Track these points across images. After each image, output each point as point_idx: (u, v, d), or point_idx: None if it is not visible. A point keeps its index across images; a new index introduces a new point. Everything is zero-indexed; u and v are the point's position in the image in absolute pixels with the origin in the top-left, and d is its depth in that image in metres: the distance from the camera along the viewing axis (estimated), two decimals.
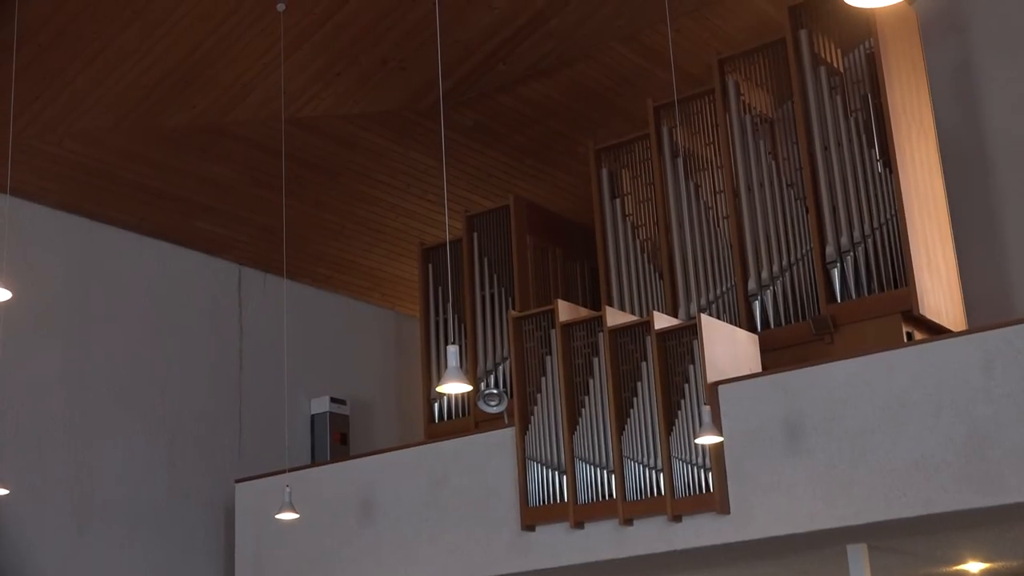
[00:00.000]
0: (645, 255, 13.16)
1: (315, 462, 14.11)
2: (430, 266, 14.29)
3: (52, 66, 11.07)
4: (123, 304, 13.12)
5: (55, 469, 12.13)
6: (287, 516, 11.13)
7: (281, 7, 11.25)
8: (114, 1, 10.66)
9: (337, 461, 13.55)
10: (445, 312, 13.98)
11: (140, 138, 12.26)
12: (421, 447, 12.61)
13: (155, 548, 12.88)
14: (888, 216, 11.48)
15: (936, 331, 11.33)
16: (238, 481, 13.18)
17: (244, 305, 14.32)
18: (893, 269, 11.37)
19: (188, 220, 13.51)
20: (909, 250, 11.27)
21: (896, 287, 11.31)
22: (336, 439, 14.41)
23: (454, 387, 8.22)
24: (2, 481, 9.50)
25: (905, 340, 11.01)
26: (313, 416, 14.46)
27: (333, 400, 14.52)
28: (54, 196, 12.52)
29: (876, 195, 11.59)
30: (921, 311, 11.23)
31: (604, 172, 13.59)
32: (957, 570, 12.95)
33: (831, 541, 10.36)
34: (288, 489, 11.27)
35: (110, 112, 11.86)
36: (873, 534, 10.21)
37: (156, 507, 12.96)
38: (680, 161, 12.94)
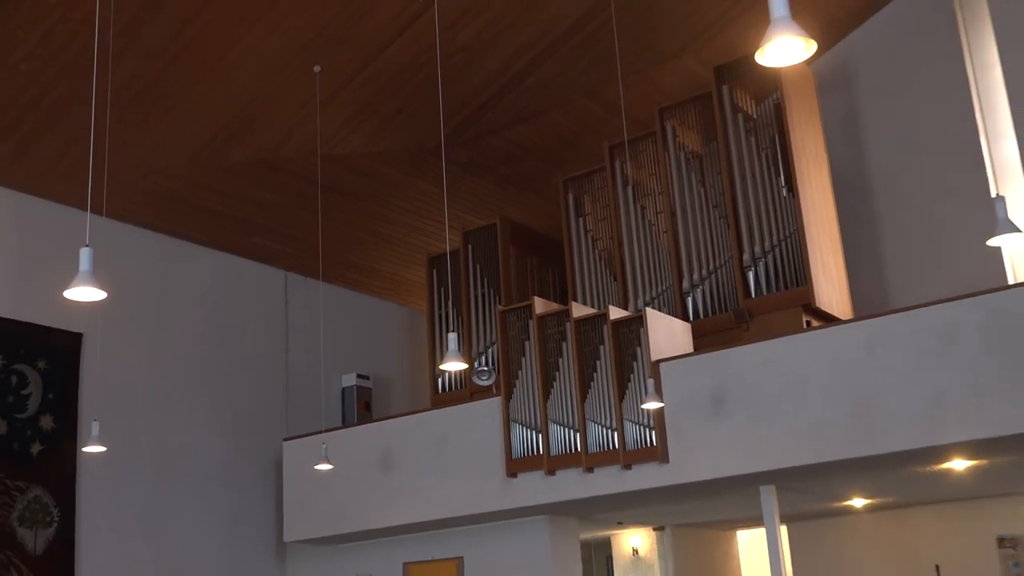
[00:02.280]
0: (602, 262, 13.23)
1: (345, 424, 14.19)
2: (434, 271, 14.36)
3: (139, 115, 11.13)
4: (193, 303, 13.20)
5: (142, 433, 12.20)
6: (324, 467, 11.20)
7: (317, 68, 11.34)
8: (186, 63, 10.74)
9: (362, 424, 13.64)
10: (446, 307, 14.04)
11: (207, 171, 12.32)
12: (428, 412, 12.70)
13: (220, 494, 12.97)
14: (791, 230, 11.56)
15: (829, 320, 11.36)
16: (285, 440, 13.27)
17: (289, 303, 14.40)
18: (795, 271, 11.44)
19: (244, 236, 13.60)
20: (807, 256, 11.34)
21: (798, 285, 11.37)
22: (362, 407, 14.48)
23: (453, 365, 8.32)
24: (101, 440, 9.60)
25: (805, 327, 11.03)
26: (343, 389, 14.54)
27: (359, 376, 14.60)
28: (139, 217, 12.60)
29: (782, 214, 11.67)
30: (817, 304, 11.29)
31: (570, 197, 13.66)
32: (845, 505, 13.07)
33: (748, 483, 10.48)
34: (324, 446, 11.36)
35: (184, 151, 11.93)
36: (780, 478, 10.34)
37: (221, 462, 13.06)
38: (629, 189, 13.01)
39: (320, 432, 12.67)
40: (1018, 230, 6.91)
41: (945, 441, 9.13)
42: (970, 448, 9.47)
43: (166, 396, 12.59)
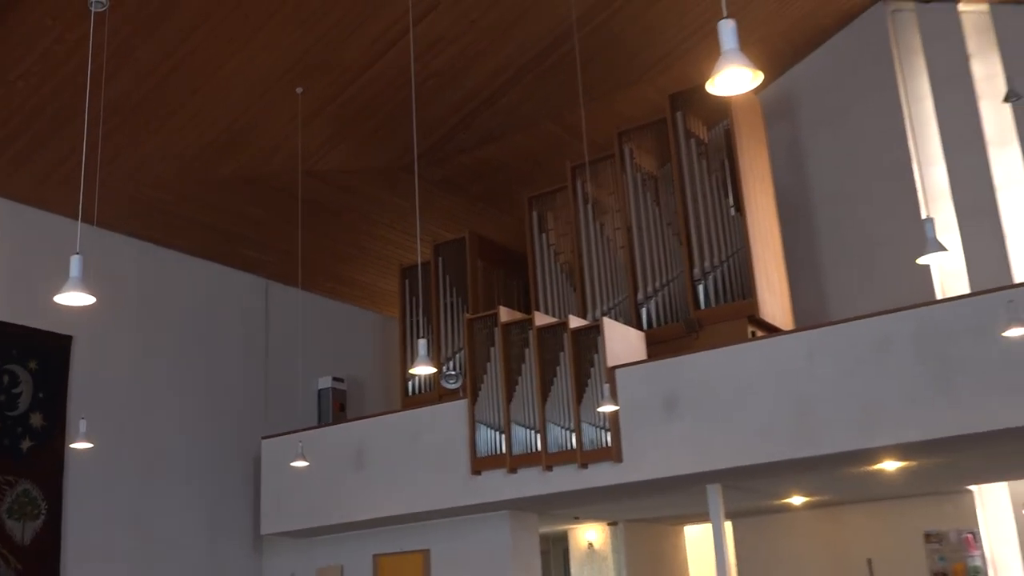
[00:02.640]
0: (563, 274, 13.27)
1: (321, 424, 14.12)
2: (407, 281, 14.33)
3: (130, 131, 11.07)
4: (178, 308, 13.10)
5: (127, 431, 12.08)
6: (300, 464, 11.17)
7: (300, 90, 11.33)
8: (176, 83, 10.70)
9: (337, 424, 13.58)
10: (417, 315, 14.03)
11: (195, 185, 12.26)
12: (399, 413, 12.68)
13: (201, 490, 12.86)
14: (738, 247, 11.65)
15: (772, 330, 11.47)
16: (264, 438, 13.19)
17: (270, 310, 14.33)
18: (741, 285, 11.53)
19: (229, 246, 13.52)
20: (753, 271, 11.44)
21: (744, 298, 11.46)
22: (336, 407, 14.43)
23: (423, 369, 8.32)
24: (88, 437, 9.54)
25: (750, 337, 11.11)
26: (319, 390, 14.48)
27: (335, 379, 14.54)
28: (129, 226, 12.50)
29: (729, 232, 11.76)
30: (761, 315, 11.39)
31: (534, 214, 13.69)
32: (785, 502, 13.15)
33: (695, 482, 10.53)
34: (301, 444, 11.32)
35: (173, 165, 11.86)
36: (725, 477, 10.40)
37: (202, 459, 12.95)
38: (589, 207, 13.06)
39: (297, 431, 12.63)
40: (945, 249, 7.03)
41: (877, 444, 9.24)
42: (900, 450, 9.57)
43: (151, 396, 12.48)
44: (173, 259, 13.12)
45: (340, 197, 13.38)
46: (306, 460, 11.19)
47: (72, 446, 9.96)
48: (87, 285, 5.92)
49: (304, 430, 12.82)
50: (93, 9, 8.69)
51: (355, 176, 13.13)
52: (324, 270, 14.58)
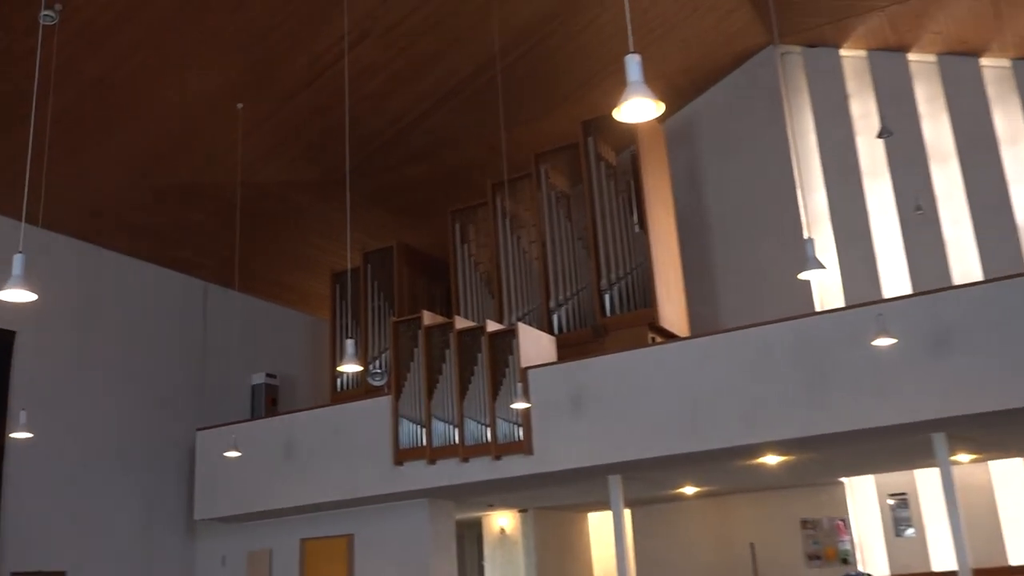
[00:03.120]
0: (482, 282, 13.27)
1: (254, 417, 13.86)
2: (337, 286, 14.17)
3: (76, 139, 10.76)
4: (121, 306, 12.76)
5: (67, 422, 11.73)
6: (232, 454, 10.97)
7: (240, 106, 11.16)
8: (121, 96, 10.44)
9: (269, 417, 13.36)
10: (346, 317, 13.88)
11: (138, 191, 11.96)
12: (327, 408, 12.50)
13: (138, 478, 12.53)
14: (641, 261, 11.77)
15: (670, 336, 11.60)
16: (199, 430, 12.89)
17: (208, 310, 14.02)
18: (643, 295, 11.65)
19: (169, 249, 13.20)
20: (654, 283, 11.57)
21: (645, 307, 11.58)
22: (269, 402, 14.18)
23: (351, 367, 8.23)
24: (28, 428, 9.25)
25: (650, 342, 11.24)
26: (253, 386, 14.21)
27: (268, 375, 14.29)
28: (73, 229, 12.12)
29: (634, 247, 11.89)
30: (661, 323, 11.53)
31: (457, 226, 13.67)
32: (679, 492, 13.27)
33: (598, 473, 10.58)
34: (234, 436, 11.14)
35: (117, 173, 11.55)
36: (626, 468, 10.46)
37: (139, 449, 12.62)
38: (507, 221, 13.08)
39: (230, 424, 12.40)
40: (823, 267, 7.17)
41: (760, 440, 9.40)
42: (780, 446, 9.74)
43: (91, 390, 12.12)
44: (115, 261, 12.77)
45: (276, 206, 13.18)
46: (238, 451, 11.00)
47: (12, 436, 9.64)
48: (29, 283, 5.74)
49: (237, 423, 12.59)
50: (43, 23, 8.42)
51: (291, 187, 12.96)
52: (260, 274, 14.33)
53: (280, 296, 15.21)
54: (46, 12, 8.49)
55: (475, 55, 11.76)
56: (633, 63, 3.72)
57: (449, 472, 10.95)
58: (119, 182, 11.70)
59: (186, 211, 12.61)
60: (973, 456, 11.41)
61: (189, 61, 10.36)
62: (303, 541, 12.59)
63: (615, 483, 10.68)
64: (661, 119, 14.38)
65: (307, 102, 11.51)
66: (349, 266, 13.48)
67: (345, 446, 11.72)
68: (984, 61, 13.22)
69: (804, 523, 13.16)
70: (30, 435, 9.33)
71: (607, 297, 11.81)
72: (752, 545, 13.40)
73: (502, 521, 14.43)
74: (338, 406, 12.27)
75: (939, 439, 9.20)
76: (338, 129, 11.29)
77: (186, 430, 13.10)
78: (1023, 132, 12.86)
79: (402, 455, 11.22)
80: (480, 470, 10.76)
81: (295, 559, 12.59)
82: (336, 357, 13.54)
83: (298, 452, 12.07)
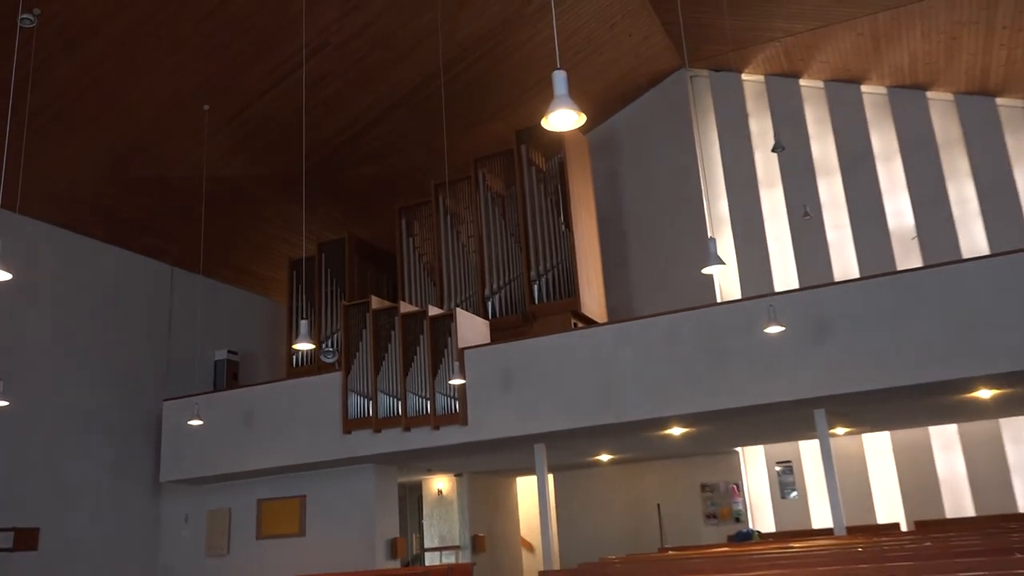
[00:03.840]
0: (425, 272, 13.18)
1: (216, 389, 13.58)
2: (294, 272, 13.94)
3: (52, 135, 10.37)
4: (94, 287, 12.34)
5: (42, 393, 11.33)
6: (195, 423, 10.74)
7: (206, 107, 10.88)
8: (95, 95, 10.09)
9: (230, 389, 13.10)
10: (302, 301, 13.68)
11: (111, 182, 11.58)
12: (284, 382, 12.26)
13: (108, 444, 12.16)
14: (566, 256, 11.81)
15: (590, 322, 11.66)
16: (165, 400, 12.58)
17: (174, 292, 13.65)
18: (567, 286, 11.70)
19: (140, 236, 12.80)
20: (577, 276, 11.61)
21: (569, 296, 11.62)
22: (230, 376, 13.90)
23: (304, 345, 8.09)
24: (5, 396, 8.92)
25: (572, 327, 11.28)
26: (216, 361, 13.90)
27: (229, 352, 13.98)
28: (49, 215, 11.67)
29: (559, 244, 11.91)
30: (582, 310, 11.58)
31: (403, 222, 13.54)
32: (596, 459, 13.37)
33: (526, 442, 10.59)
34: (197, 406, 10.90)
35: (90, 166, 11.17)
36: (549, 438, 10.50)
37: (111, 417, 12.25)
38: (448, 218, 13.01)
39: (194, 395, 12.12)
40: (723, 264, 7.26)
41: (667, 414, 9.49)
42: (683, 419, 9.86)
43: (65, 363, 11.73)
44: (88, 246, 12.35)
45: (239, 199, 12.90)
46: (201, 419, 10.78)
47: None
48: (5, 263, 5.52)
49: (201, 394, 12.32)
50: (22, 25, 8.09)
51: (252, 182, 12.69)
52: (223, 260, 14.02)
53: (241, 281, 14.91)
54: (24, 16, 8.16)
55: (421, 68, 11.65)
56: (559, 78, 3.70)
57: (393, 440, 10.87)
58: (93, 174, 11.32)
59: (155, 202, 12.26)
60: (848, 429, 11.69)
61: (160, 65, 10.06)
62: (260, 501, 12.39)
63: (540, 451, 10.72)
64: (585, 130, 14.44)
65: (268, 106, 11.28)
66: (304, 255, 13.27)
67: (299, 416, 11.55)
68: (864, 88, 13.53)
69: (703, 487, 13.34)
70: (6, 403, 8.99)
71: (535, 287, 11.82)
72: (658, 506, 13.57)
73: (440, 484, 14.39)
74: (293, 380, 12.07)
75: (819, 414, 9.39)
76: (296, 131, 11.11)
77: (153, 400, 12.77)
78: (896, 150, 13.21)
79: (350, 425, 11.10)
80: (420, 439, 10.70)
81: (252, 517, 12.38)
82: (292, 336, 13.35)
83: (256, 421, 11.85)
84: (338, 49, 10.79)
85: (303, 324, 8.04)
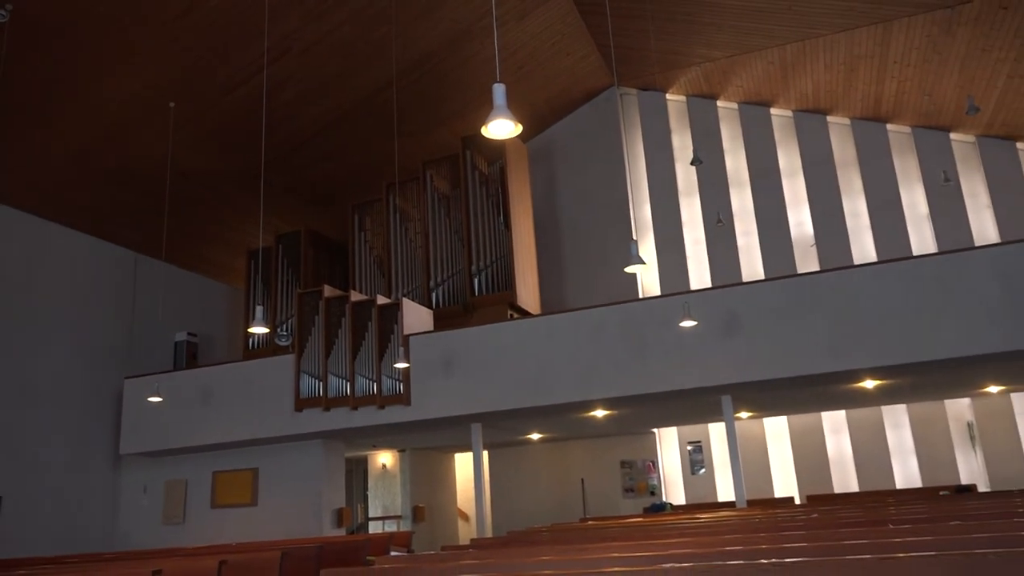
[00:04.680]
0: (375, 264, 13.08)
1: (176, 368, 13.27)
2: (252, 262, 13.70)
3: (23, 126, 9.98)
4: (62, 271, 11.93)
5: (9, 369, 10.93)
6: (155, 399, 10.48)
7: (172, 104, 10.59)
8: (65, 90, 9.74)
9: (189, 368, 12.80)
10: (258, 288, 13.45)
11: (81, 174, 11.19)
12: (240, 363, 12.06)
13: (72, 418, 11.78)
14: (504, 253, 11.84)
15: (525, 314, 11.72)
16: (127, 378, 12.24)
17: (137, 277, 13.28)
18: (505, 280, 11.74)
19: (107, 224, 12.39)
20: (514, 271, 11.66)
21: (506, 289, 11.67)
22: (190, 356, 13.58)
23: (259, 329, 7.92)
24: None
25: (509, 317, 11.35)
26: (176, 342, 13.55)
27: (189, 334, 13.66)
28: (26, 203, 11.26)
29: (499, 242, 11.94)
30: (518, 303, 11.63)
31: (356, 217, 13.41)
32: (528, 438, 13.43)
33: (464, 421, 10.59)
34: (157, 384, 10.62)
35: (60, 157, 10.78)
36: (486, 418, 10.51)
37: (75, 393, 11.87)
38: (398, 215, 12.93)
39: (154, 373, 11.82)
40: (644, 263, 7.34)
41: (592, 397, 9.60)
42: (606, 403, 9.97)
43: (33, 341, 11.31)
44: (57, 232, 11.93)
45: (201, 192, 12.60)
46: (161, 396, 10.51)
47: None
48: None
49: (161, 372, 12.02)
50: None
51: (214, 176, 12.40)
52: (185, 248, 13.68)
53: (202, 268, 14.57)
54: None
55: (376, 77, 11.53)
56: (499, 90, 3.69)
57: (341, 418, 10.78)
58: (62, 165, 10.93)
59: (121, 192, 11.90)
60: (751, 413, 11.97)
61: (127, 63, 9.75)
62: (215, 473, 12.15)
63: (476, 430, 10.74)
64: (525, 139, 14.48)
65: (232, 106, 11.03)
66: (262, 246, 13.03)
67: (254, 395, 11.36)
68: (773, 110, 13.83)
69: (623, 464, 13.48)
70: None
71: (476, 280, 11.83)
72: (582, 480, 13.68)
73: (384, 459, 14.31)
74: (249, 361, 11.86)
75: (726, 400, 9.58)
76: (257, 130, 10.90)
77: (115, 378, 12.40)
78: (799, 167, 13.53)
79: (302, 403, 10.96)
80: (367, 417, 10.63)
81: (207, 488, 12.13)
82: (248, 321, 13.11)
83: (214, 399, 11.62)
84: (299, 56, 10.61)
85: (258, 310, 7.88)
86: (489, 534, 12.65)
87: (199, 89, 10.57)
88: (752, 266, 13.34)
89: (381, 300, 10.93)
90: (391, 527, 13.64)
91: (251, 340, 13.08)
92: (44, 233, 11.73)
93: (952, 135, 12.65)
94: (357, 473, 15.19)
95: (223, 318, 14.98)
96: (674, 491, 13.31)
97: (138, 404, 11.82)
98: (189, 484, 12.26)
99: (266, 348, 12.82)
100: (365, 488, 14.79)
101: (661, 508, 11.35)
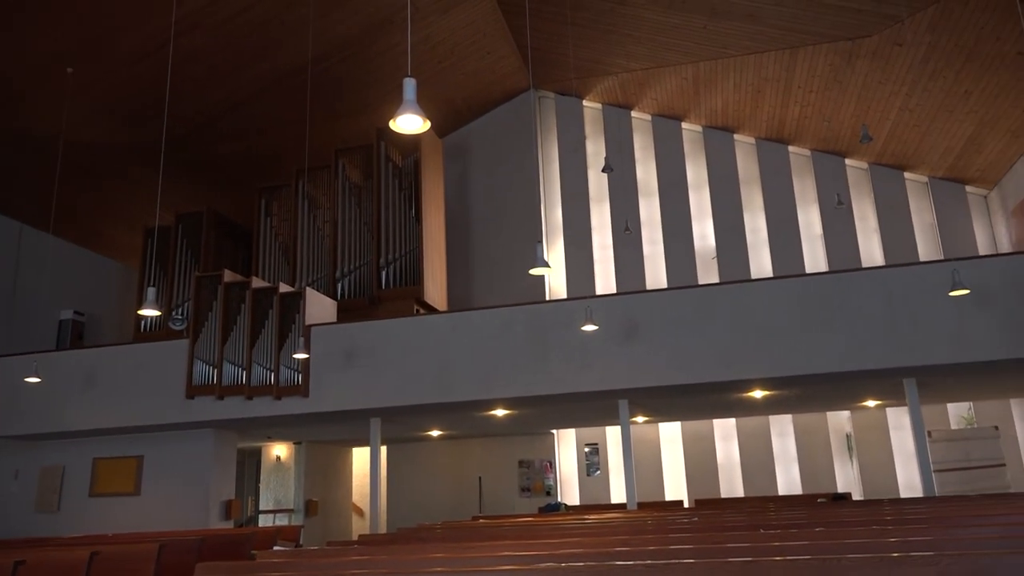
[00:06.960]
0: (281, 251, 12.75)
1: (59, 348, 12.55)
2: (150, 240, 13.13)
3: None
4: None
5: None
6: (33, 380, 9.88)
7: (70, 70, 10.03)
8: None
9: (73, 348, 12.14)
10: (154, 268, 12.89)
11: None
12: (129, 345, 11.49)
13: None
14: (414, 247, 11.75)
15: (431, 309, 11.66)
16: (2, 356, 11.48)
17: (21, 249, 12.52)
18: (413, 275, 11.64)
19: None
20: (422, 266, 11.58)
21: (414, 284, 11.58)
22: (75, 336, 12.89)
23: (150, 311, 7.61)
24: None
25: (415, 313, 11.25)
26: (61, 321, 12.86)
27: (76, 312, 12.97)
28: None
29: (409, 235, 11.84)
30: (425, 298, 11.56)
31: (263, 201, 13.04)
32: (427, 434, 13.35)
33: (363, 415, 10.44)
34: (35, 364, 10.05)
35: None
36: (385, 413, 10.38)
37: None
38: (306, 202, 12.64)
39: (33, 352, 11.16)
40: (549, 266, 7.39)
41: (493, 397, 9.60)
42: (507, 402, 10.00)
43: None
44: None
45: (97, 163, 11.97)
46: (39, 377, 9.92)
47: None
48: None
49: (40, 352, 11.35)
50: None
51: (113, 148, 11.81)
52: (76, 222, 12.97)
53: (93, 243, 13.86)
54: None
55: (291, 58, 11.22)
56: (409, 85, 3.64)
57: (235, 407, 10.44)
58: None
59: (9, 155, 11.18)
60: (646, 418, 12.23)
61: (22, 23, 9.17)
62: (95, 460, 11.56)
63: (375, 424, 10.60)
64: (442, 134, 14.39)
65: (134, 77, 10.52)
66: (157, 224, 12.48)
67: (142, 379, 10.86)
68: (684, 125, 14.21)
69: (521, 463, 13.56)
70: None
71: (383, 273, 11.69)
72: (480, 478, 13.70)
73: (278, 451, 13.95)
74: (139, 344, 11.32)
75: (623, 404, 9.73)
76: (161, 104, 10.45)
77: None
78: (706, 181, 13.94)
79: (194, 390, 10.56)
80: (262, 407, 10.33)
81: (87, 475, 11.53)
82: (141, 302, 12.55)
83: (99, 381, 11.05)
84: (212, 30, 10.22)
85: (151, 291, 7.55)
86: (383, 530, 12.51)
87: (100, 57, 10.05)
88: (656, 274, 13.66)
89: (284, 288, 10.65)
90: (282, 521, 13.30)
91: (143, 323, 12.53)
92: None
93: (847, 161, 13.29)
94: (250, 465, 14.76)
95: (115, 298, 14.30)
96: (570, 492, 13.48)
97: (14, 384, 11.13)
98: (67, 470, 11.62)
99: (159, 331, 12.31)
100: (257, 480, 14.38)
101: (555, 508, 11.47)
